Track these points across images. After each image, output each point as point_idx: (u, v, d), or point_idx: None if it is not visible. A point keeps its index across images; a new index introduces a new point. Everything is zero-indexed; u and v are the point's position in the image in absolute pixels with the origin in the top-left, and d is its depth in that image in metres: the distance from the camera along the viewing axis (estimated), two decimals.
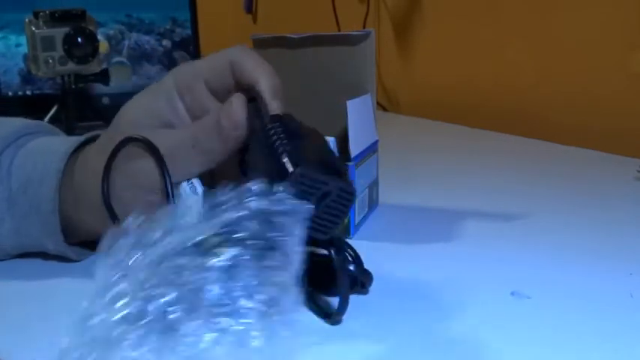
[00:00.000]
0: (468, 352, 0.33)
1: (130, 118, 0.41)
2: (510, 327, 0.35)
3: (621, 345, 0.33)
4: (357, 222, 0.52)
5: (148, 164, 0.39)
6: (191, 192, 0.39)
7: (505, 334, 0.34)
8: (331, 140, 0.54)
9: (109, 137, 0.41)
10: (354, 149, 0.50)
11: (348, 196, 0.33)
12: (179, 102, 0.40)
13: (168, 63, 1.18)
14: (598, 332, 0.35)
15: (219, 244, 0.26)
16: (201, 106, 0.40)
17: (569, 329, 0.35)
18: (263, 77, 0.38)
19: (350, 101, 0.50)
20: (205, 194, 0.39)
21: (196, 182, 0.40)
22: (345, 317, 0.36)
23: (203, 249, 0.26)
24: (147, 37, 1.16)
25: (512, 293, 0.39)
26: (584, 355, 0.32)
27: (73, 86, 1.00)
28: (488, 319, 0.36)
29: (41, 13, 0.95)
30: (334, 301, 0.36)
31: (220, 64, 0.40)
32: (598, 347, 0.33)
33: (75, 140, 0.44)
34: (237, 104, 0.37)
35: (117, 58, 1.15)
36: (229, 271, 0.25)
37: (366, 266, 0.40)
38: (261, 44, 0.61)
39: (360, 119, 0.53)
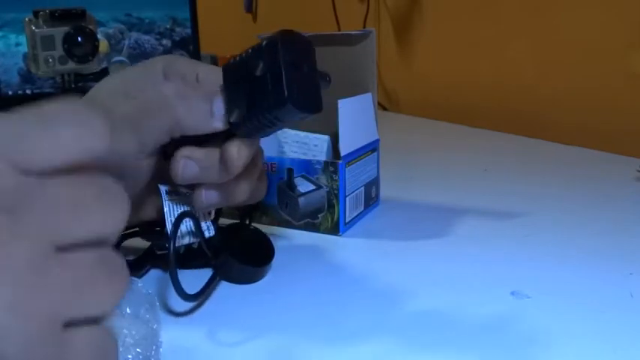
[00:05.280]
0: (468, 352, 0.33)
1: (108, 87, 0.37)
2: (510, 327, 0.35)
3: (621, 345, 0.33)
4: (347, 220, 0.52)
5: None
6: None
7: (505, 334, 0.34)
8: (325, 139, 0.54)
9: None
10: (344, 148, 0.50)
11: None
12: (166, 86, 0.36)
13: None
14: (598, 332, 0.35)
15: None
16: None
17: (569, 329, 0.35)
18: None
19: (341, 100, 0.50)
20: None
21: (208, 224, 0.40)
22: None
23: None
24: (147, 37, 1.16)
25: (512, 293, 0.39)
26: (584, 355, 0.32)
27: (73, 85, 1.00)
28: (488, 319, 0.36)
29: (41, 13, 0.95)
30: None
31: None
32: (598, 347, 0.33)
33: None
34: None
35: (117, 58, 1.15)
36: None
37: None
38: None
39: (355, 118, 0.53)
